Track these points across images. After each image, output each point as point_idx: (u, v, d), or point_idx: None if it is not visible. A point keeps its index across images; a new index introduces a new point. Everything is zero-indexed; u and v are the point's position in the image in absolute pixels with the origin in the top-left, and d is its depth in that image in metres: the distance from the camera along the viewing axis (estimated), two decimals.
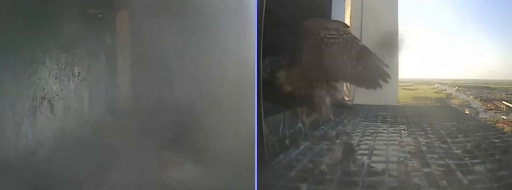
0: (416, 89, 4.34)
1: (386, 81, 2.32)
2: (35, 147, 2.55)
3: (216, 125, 2.67)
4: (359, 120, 3.13)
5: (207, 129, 2.83)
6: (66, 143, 2.70)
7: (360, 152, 2.18)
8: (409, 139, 2.51)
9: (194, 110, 3.05)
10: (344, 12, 3.63)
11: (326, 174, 1.87)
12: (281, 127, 2.20)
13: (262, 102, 1.88)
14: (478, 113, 4.05)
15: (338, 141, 2.33)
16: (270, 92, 2.01)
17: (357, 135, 2.58)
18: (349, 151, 2.07)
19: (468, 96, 4.23)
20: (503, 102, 3.96)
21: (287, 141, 2.24)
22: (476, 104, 4.15)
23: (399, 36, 3.53)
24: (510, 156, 2.11)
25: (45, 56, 2.68)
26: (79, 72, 3.00)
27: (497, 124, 3.72)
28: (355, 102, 3.84)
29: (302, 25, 2.14)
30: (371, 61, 2.29)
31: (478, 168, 1.92)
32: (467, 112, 4.05)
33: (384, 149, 2.27)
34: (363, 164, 1.99)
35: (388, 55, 3.59)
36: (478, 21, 3.56)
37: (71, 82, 2.92)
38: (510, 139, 2.46)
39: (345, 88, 3.78)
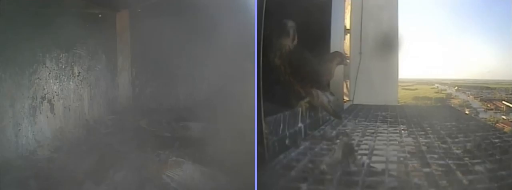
0: (416, 89, 4.34)
1: None
2: (35, 147, 2.55)
3: (216, 125, 2.67)
4: (359, 120, 3.13)
5: (207, 129, 2.83)
6: (66, 143, 2.70)
7: (360, 152, 2.18)
8: (409, 139, 2.51)
9: (193, 109, 3.05)
10: (344, 12, 3.62)
11: (326, 174, 1.86)
12: (281, 127, 2.20)
13: (262, 101, 1.88)
14: (478, 113, 4.05)
15: (338, 141, 2.33)
16: (270, 89, 2.02)
17: (357, 135, 2.58)
18: (349, 151, 2.07)
19: (468, 96, 4.23)
20: (503, 102, 3.97)
21: (287, 141, 2.23)
22: (476, 104, 4.15)
23: (399, 36, 3.54)
24: (510, 156, 2.11)
25: (45, 56, 2.69)
26: (79, 72, 3.00)
27: (497, 124, 3.72)
28: (355, 102, 3.85)
29: None
30: None
31: (478, 168, 1.92)
32: (467, 112, 4.05)
33: (384, 149, 2.27)
34: (363, 164, 1.98)
35: (388, 55, 3.60)
36: (478, 21, 3.57)
37: (71, 82, 2.92)
38: (510, 139, 2.45)
39: (345, 88, 3.79)
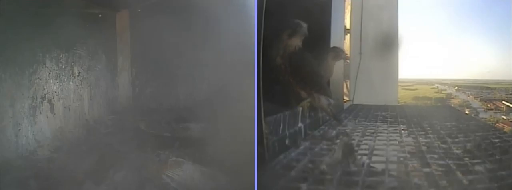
0: (416, 89, 4.35)
1: None
2: (35, 147, 2.55)
3: (216, 125, 2.67)
4: (359, 120, 3.13)
5: (207, 129, 2.83)
6: (66, 143, 2.70)
7: (360, 152, 2.17)
8: (409, 139, 2.51)
9: (193, 110, 3.05)
10: (344, 12, 3.62)
11: (326, 174, 1.86)
12: (281, 127, 2.20)
13: (262, 101, 1.88)
14: (478, 113, 4.05)
15: (338, 141, 2.33)
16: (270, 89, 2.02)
17: (357, 135, 2.58)
18: (349, 151, 2.07)
19: (468, 96, 4.24)
20: (503, 102, 3.97)
21: (287, 141, 2.23)
22: (476, 104, 4.15)
23: (399, 36, 3.54)
24: (510, 156, 2.11)
25: (45, 56, 2.69)
26: (79, 72, 3.00)
27: (497, 124, 3.73)
28: (355, 102, 3.85)
29: None
30: None
31: (478, 168, 1.91)
32: (467, 112, 4.05)
33: (384, 149, 2.26)
34: (363, 164, 1.98)
35: (388, 55, 3.60)
36: (478, 21, 3.57)
37: (71, 82, 2.92)
38: (510, 139, 2.45)
39: (345, 88, 3.79)
